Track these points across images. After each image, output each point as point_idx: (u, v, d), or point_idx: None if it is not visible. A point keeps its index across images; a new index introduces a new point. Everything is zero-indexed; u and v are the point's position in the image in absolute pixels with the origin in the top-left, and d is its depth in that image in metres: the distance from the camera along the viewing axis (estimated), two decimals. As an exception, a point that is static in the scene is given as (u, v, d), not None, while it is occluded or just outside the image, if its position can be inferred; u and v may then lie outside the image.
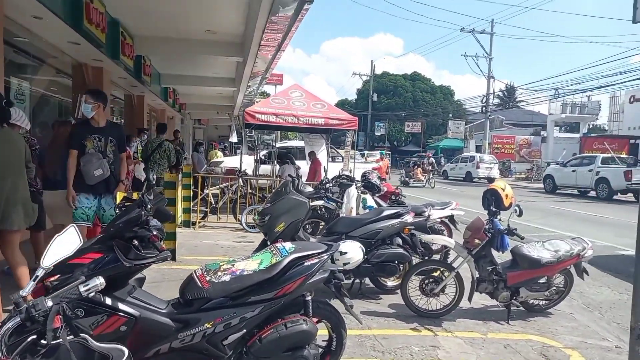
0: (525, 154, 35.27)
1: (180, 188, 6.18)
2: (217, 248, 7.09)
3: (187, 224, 8.65)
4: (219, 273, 2.73)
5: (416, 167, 23.67)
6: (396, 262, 4.92)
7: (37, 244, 4.82)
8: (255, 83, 13.99)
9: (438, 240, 4.66)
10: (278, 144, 14.62)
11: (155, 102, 15.66)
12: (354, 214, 6.00)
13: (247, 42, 8.53)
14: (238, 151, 18.39)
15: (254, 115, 9.73)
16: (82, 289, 1.95)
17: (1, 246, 3.60)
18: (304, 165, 12.11)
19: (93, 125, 4.59)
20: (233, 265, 2.81)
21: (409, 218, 5.09)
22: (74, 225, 2.10)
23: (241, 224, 8.62)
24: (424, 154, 33.10)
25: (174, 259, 6.08)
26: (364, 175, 6.84)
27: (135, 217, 2.47)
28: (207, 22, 8.50)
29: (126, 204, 2.84)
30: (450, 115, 44.19)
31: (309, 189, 5.28)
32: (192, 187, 8.73)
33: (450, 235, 7.24)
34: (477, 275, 4.52)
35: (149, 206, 2.47)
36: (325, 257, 2.88)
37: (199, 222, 8.81)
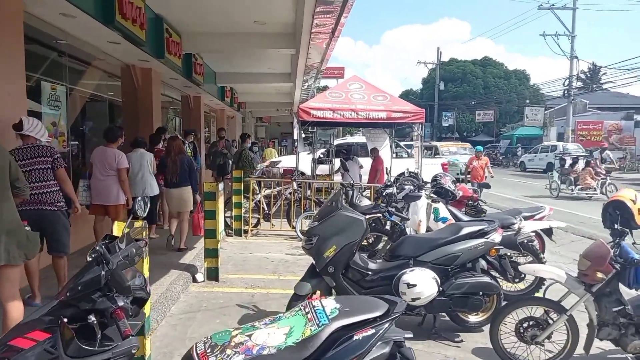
0: (616, 140, 31.55)
1: (221, 199, 5.47)
2: (267, 263, 6.33)
3: (238, 232, 8.02)
4: (228, 351, 1.86)
5: (578, 165, 14.58)
6: (481, 293, 3.83)
7: (59, 271, 4.29)
8: (312, 77, 13.16)
9: (541, 273, 3.50)
10: (336, 141, 13.68)
11: (213, 102, 15.36)
12: (423, 228, 4.94)
13: (298, 30, 7.68)
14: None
15: (309, 111, 8.88)
16: None
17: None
18: (367, 164, 11.07)
19: None
20: (250, 336, 1.92)
21: (496, 237, 3.96)
22: None
23: (296, 231, 7.83)
24: (567, 148, 25.22)
25: (216, 279, 5.39)
26: (434, 178, 5.72)
27: (93, 281, 1.66)
28: (255, 12, 7.75)
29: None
30: (527, 101, 40.74)
31: (366, 201, 4.31)
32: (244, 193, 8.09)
33: (542, 249, 5.99)
34: (597, 318, 3.33)
35: (114, 264, 1.65)
36: (386, 325, 1.93)
37: (251, 230, 8.14)
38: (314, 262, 3.87)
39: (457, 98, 45.58)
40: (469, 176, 10.80)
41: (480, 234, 3.94)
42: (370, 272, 3.87)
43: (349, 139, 16.19)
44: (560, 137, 31.72)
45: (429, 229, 5.11)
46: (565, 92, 30.04)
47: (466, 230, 3.95)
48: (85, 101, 7.81)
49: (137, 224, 2.55)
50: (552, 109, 38.90)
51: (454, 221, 5.09)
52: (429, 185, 6.35)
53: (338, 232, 3.74)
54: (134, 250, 1.82)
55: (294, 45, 8.74)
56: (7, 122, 4.39)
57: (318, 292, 3.83)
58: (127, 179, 5.88)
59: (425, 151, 21.50)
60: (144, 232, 2.68)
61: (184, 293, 4.91)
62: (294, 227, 8.00)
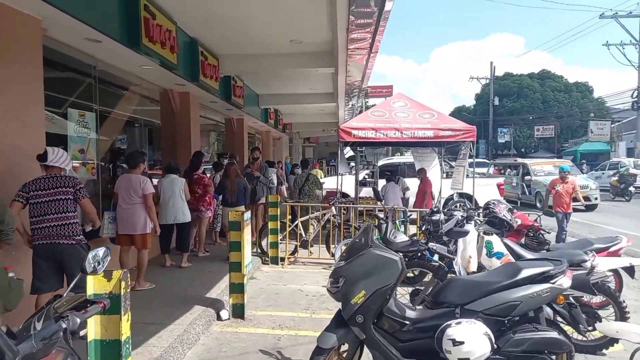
0: (695, 155, 28.62)
1: (248, 229, 5.04)
2: (301, 297, 5.81)
3: (275, 260, 7.58)
4: None
5: None
6: (546, 352, 3.10)
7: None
8: (355, 96, 12.72)
9: (628, 335, 2.74)
10: (381, 162, 13.04)
11: (257, 124, 15.30)
12: (473, 266, 4.24)
13: (335, 47, 7.28)
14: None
15: (350, 131, 8.41)
16: None
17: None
18: (414, 185, 10.36)
19: None
20: None
21: (564, 281, 3.22)
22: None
23: (335, 259, 7.29)
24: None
25: (242, 316, 4.93)
26: (487, 206, 4.99)
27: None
28: (291, 31, 7.46)
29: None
30: (592, 115, 38.07)
31: (402, 237, 3.70)
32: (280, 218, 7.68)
33: (619, 288, 5.10)
34: None
35: (17, 354, 1.21)
36: None
37: (288, 258, 7.67)
38: (341, 308, 3.31)
39: (513, 113, 43.48)
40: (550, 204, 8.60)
41: (544, 277, 3.23)
42: (408, 322, 3.25)
43: (396, 159, 15.46)
44: (630, 152, 29.24)
45: (480, 266, 4.41)
46: (634, 104, 27.75)
47: (526, 273, 3.24)
48: (122, 127, 7.76)
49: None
50: (620, 123, 36.13)
51: (510, 257, 4.37)
52: (480, 212, 5.63)
53: (368, 274, 3.17)
54: (61, 327, 1.37)
55: (332, 64, 8.35)
56: (23, 151, 4.24)
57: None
58: (154, 205, 5.64)
59: (509, 170, 18.43)
60: (123, 284, 2.26)
61: (204, 334, 4.48)
62: (333, 255, 7.47)
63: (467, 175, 9.11)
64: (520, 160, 20.04)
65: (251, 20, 6.81)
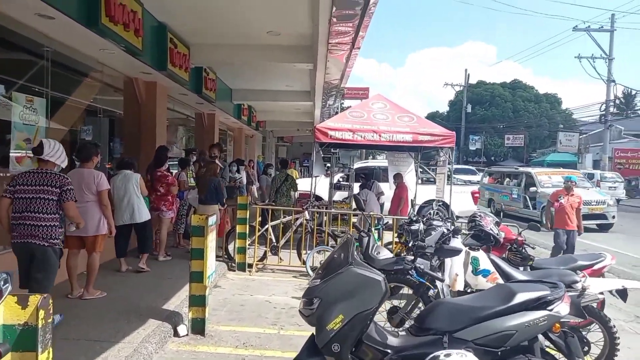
0: (656, 170, 29.69)
1: (212, 235, 4.56)
2: (269, 309, 5.35)
3: (242, 266, 7.10)
4: None
5: None
6: (542, 387, 2.78)
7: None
8: (332, 96, 12.34)
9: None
10: (356, 165, 12.72)
11: (229, 120, 14.70)
12: (460, 284, 3.90)
13: (314, 41, 6.86)
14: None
15: (326, 132, 8.02)
16: None
17: None
18: (387, 190, 10.07)
19: None
20: None
21: (562, 308, 2.90)
22: None
23: (306, 267, 6.90)
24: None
25: (202, 332, 4.43)
26: (472, 219, 4.67)
27: None
28: (268, 22, 6.99)
29: None
30: (561, 126, 39.02)
31: (386, 253, 3.30)
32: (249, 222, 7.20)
33: (601, 308, 4.87)
34: None
35: None
36: None
37: (257, 265, 7.20)
38: (314, 333, 2.90)
39: (484, 121, 44.17)
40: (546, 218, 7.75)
41: (541, 303, 2.90)
42: (390, 351, 2.86)
43: (371, 163, 15.16)
44: (596, 164, 30.04)
45: (464, 284, 4.07)
46: (602, 117, 28.52)
47: (521, 298, 2.90)
48: (79, 116, 7.12)
49: None
50: (586, 135, 37.18)
51: (497, 275, 4.05)
52: (461, 221, 5.32)
53: (347, 296, 2.76)
54: None
55: (310, 59, 7.93)
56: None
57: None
58: (109, 203, 5.10)
59: (508, 180, 16.59)
60: (42, 313, 1.77)
61: (158, 354, 3.96)
62: (304, 263, 7.06)
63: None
64: (523, 169, 17.40)
65: (226, 6, 6.33)
